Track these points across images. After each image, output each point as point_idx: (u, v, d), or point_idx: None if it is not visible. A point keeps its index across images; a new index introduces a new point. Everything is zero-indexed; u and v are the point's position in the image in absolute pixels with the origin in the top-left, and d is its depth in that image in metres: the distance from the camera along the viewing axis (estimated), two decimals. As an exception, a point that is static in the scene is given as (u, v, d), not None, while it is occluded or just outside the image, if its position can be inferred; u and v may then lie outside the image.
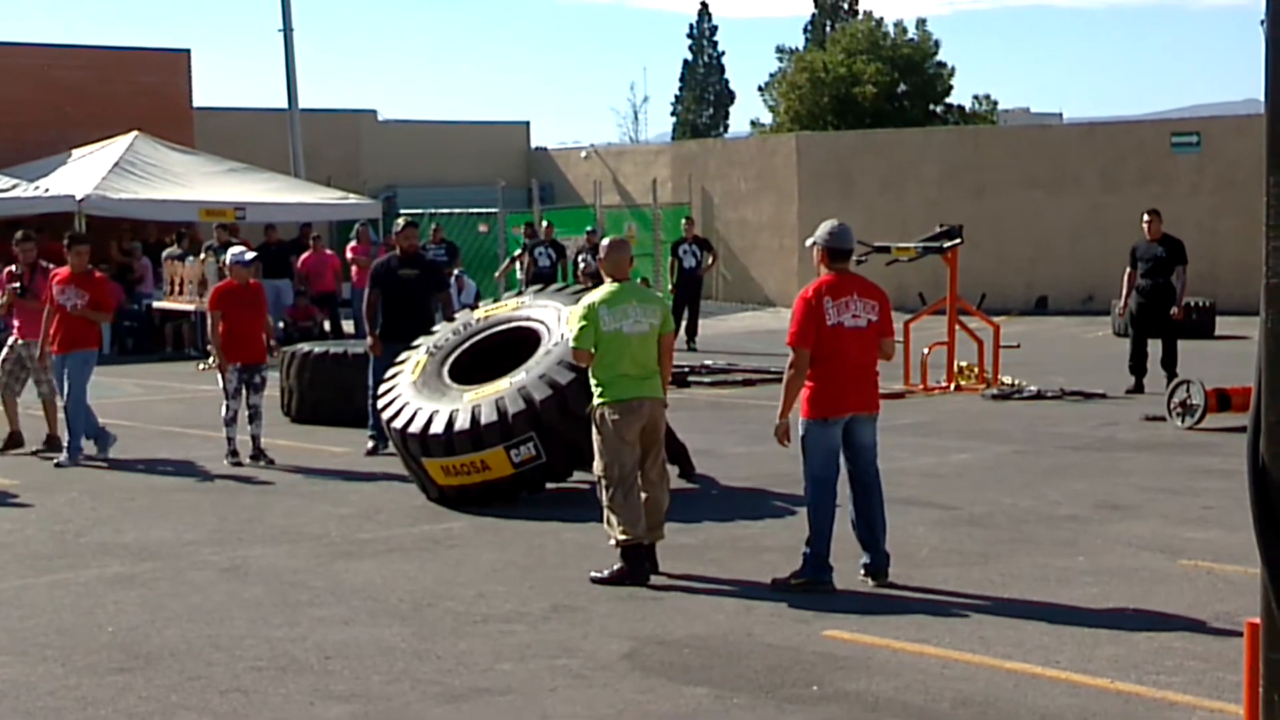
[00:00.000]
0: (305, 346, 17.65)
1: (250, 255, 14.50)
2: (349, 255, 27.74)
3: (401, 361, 12.62)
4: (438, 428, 11.47)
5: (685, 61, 76.35)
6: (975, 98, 55.19)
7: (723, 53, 76.70)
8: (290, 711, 6.94)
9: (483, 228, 34.23)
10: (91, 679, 7.47)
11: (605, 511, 9.37)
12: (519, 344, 12.16)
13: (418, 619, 8.52)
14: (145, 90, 31.09)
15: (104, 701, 7.10)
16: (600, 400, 9.38)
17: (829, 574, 8.99)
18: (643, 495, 9.39)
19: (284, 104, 33.24)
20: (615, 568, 9.26)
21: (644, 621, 8.40)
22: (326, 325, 26.85)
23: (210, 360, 14.59)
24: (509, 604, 8.81)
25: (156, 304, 26.48)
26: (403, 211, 35.03)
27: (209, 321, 14.37)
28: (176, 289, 25.55)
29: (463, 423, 11.37)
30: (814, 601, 8.70)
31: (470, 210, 34.16)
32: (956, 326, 19.50)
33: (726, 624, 8.34)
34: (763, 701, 7.01)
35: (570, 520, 11.09)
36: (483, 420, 11.32)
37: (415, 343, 12.85)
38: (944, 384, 19.12)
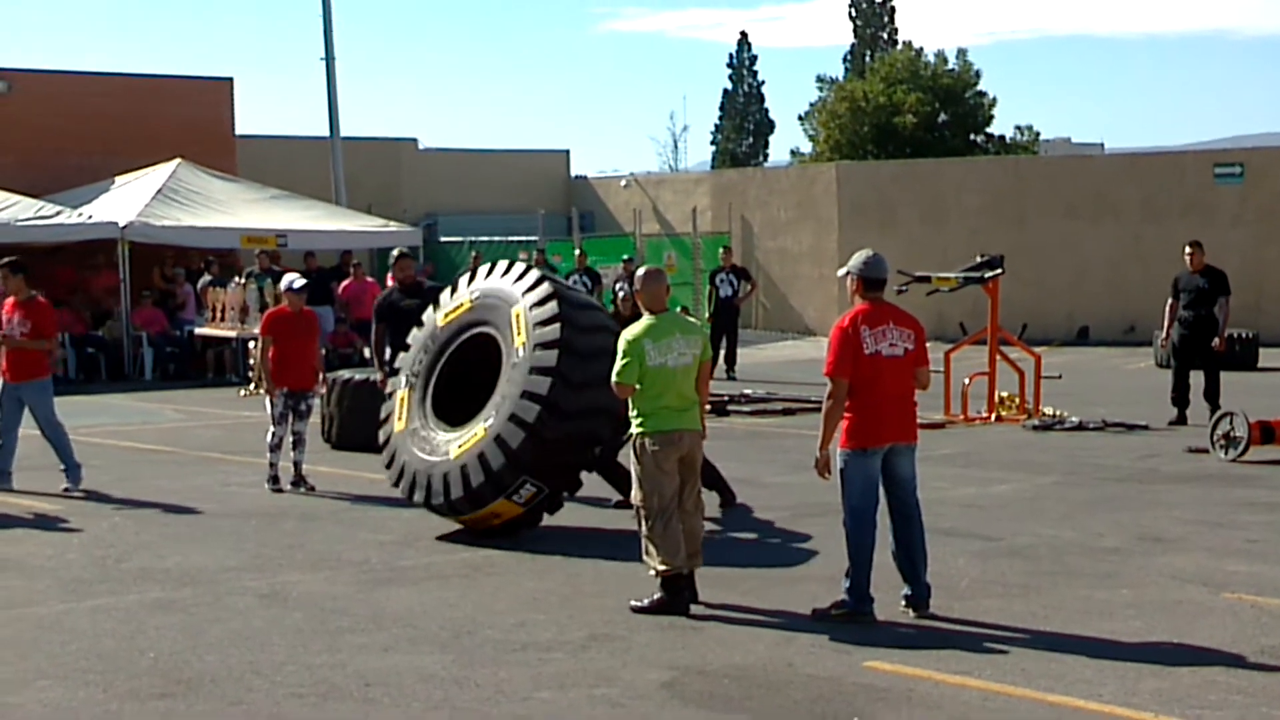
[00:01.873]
0: (345, 374, 17.70)
1: (301, 282, 14.53)
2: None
3: (390, 394, 12.51)
4: (438, 496, 11.44)
5: (725, 90, 76.40)
6: (1017, 128, 55.13)
7: (763, 82, 76.72)
8: (330, 738, 6.94)
9: (523, 255, 34.27)
10: (133, 704, 7.49)
11: (644, 541, 9.35)
12: (485, 351, 11.88)
13: (457, 646, 8.52)
14: (188, 118, 31.27)
15: (145, 727, 7.12)
16: (640, 430, 9.37)
17: (870, 605, 8.95)
18: (680, 525, 9.37)
19: (325, 132, 33.44)
20: (655, 597, 9.24)
21: (683, 651, 8.38)
22: (367, 352, 26.90)
23: (253, 386, 14.60)
24: (548, 632, 8.80)
25: (198, 330, 26.61)
26: (443, 239, 35.35)
27: (260, 346, 14.39)
28: (218, 315, 25.66)
29: (457, 489, 11.31)
30: (855, 633, 8.66)
31: (510, 238, 34.22)
32: (998, 357, 19.43)
33: (766, 654, 8.31)
34: (803, 732, 6.98)
35: (609, 549, 11.08)
36: (474, 483, 11.24)
37: (397, 364, 12.76)
38: (985, 414, 19.05)
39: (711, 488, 12.17)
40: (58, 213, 26.54)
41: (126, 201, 27.74)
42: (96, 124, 30.15)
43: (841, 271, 9.34)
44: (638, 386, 9.32)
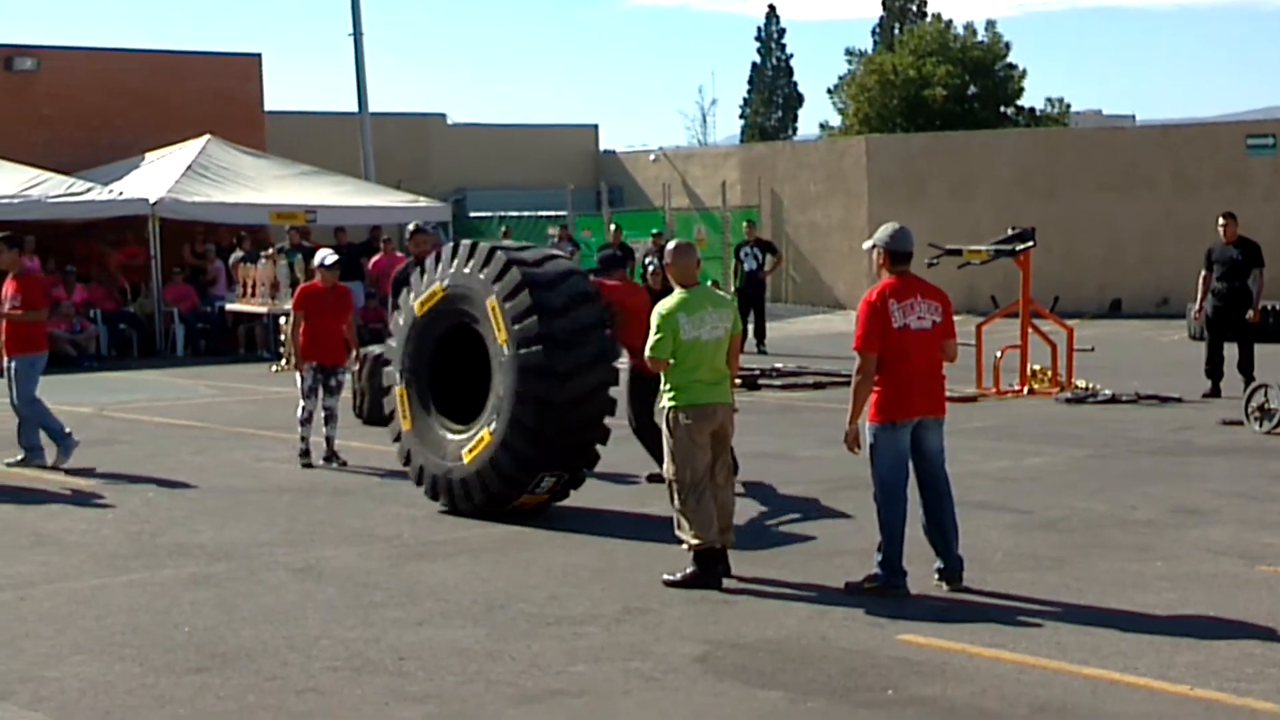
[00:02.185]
0: (376, 349, 17.67)
1: (333, 258, 14.51)
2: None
3: (388, 388, 12.30)
4: (462, 502, 11.42)
5: (753, 64, 76.20)
6: (1048, 100, 54.91)
7: (791, 55, 76.50)
8: (365, 712, 6.97)
9: (551, 231, 34.28)
10: (169, 678, 7.52)
11: (677, 516, 9.34)
12: (473, 341, 11.62)
13: (491, 620, 8.53)
14: (217, 94, 31.31)
15: (181, 701, 7.15)
16: (672, 404, 9.35)
17: (902, 578, 8.94)
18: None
19: (354, 108, 33.42)
20: (688, 571, 9.24)
21: (716, 625, 8.38)
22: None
23: (284, 361, 14.61)
24: (581, 606, 8.81)
25: (229, 306, 26.68)
26: (472, 214, 35.36)
27: (290, 321, 14.40)
28: (249, 291, 25.72)
29: (478, 494, 11.29)
30: (888, 606, 8.65)
31: (539, 213, 34.22)
32: (1029, 330, 19.37)
33: (799, 628, 8.31)
34: (837, 705, 6.98)
35: (640, 524, 11.09)
36: (492, 489, 11.23)
37: (384, 364, 12.56)
38: (1017, 388, 19.00)
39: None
40: (88, 189, 26.62)
41: (156, 178, 27.82)
42: (126, 101, 30.20)
43: (867, 244, 9.26)
44: (671, 361, 9.31)
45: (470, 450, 11.29)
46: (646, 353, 9.43)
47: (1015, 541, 10.41)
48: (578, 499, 11.84)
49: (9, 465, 13.98)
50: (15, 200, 25.50)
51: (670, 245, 9.84)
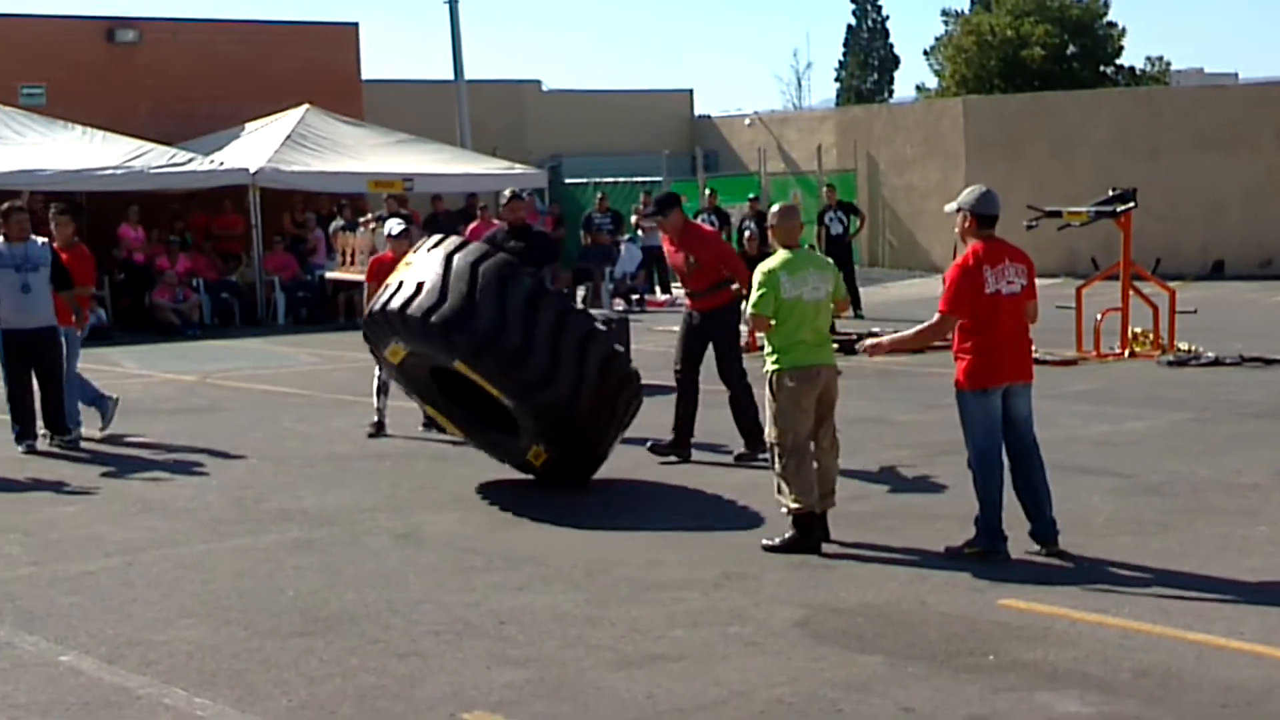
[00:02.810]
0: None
1: (400, 227, 14.42)
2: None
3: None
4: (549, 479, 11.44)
5: (849, 26, 75.60)
6: (1148, 59, 54.17)
7: (887, 17, 75.76)
8: (467, 675, 7.03)
9: (644, 198, 34.26)
10: (273, 641, 7.63)
11: (777, 480, 9.34)
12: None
13: (590, 585, 8.58)
14: (315, 64, 31.54)
15: (286, 664, 7.25)
16: (776, 366, 9.34)
17: (1003, 543, 8.89)
18: (815, 463, 9.35)
19: (450, 75, 33.55)
20: (787, 535, 9.24)
21: (816, 589, 8.38)
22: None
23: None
24: (680, 571, 8.83)
25: (329, 274, 26.88)
26: (568, 181, 35.41)
27: (366, 292, 14.43)
28: (348, 260, 25.89)
29: (563, 478, 11.33)
30: (989, 570, 8.61)
31: (634, 179, 34.20)
32: (1130, 292, 19.15)
33: (900, 592, 8.29)
34: (938, 670, 6.96)
35: (740, 488, 11.09)
36: (572, 473, 11.27)
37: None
38: (1118, 350, 18.80)
39: (745, 434, 12.12)
40: (190, 160, 26.92)
41: (256, 148, 28.08)
42: (225, 71, 30.49)
43: (951, 207, 9.15)
44: (773, 322, 9.29)
45: (534, 457, 11.25)
46: (748, 310, 9.44)
47: (1117, 506, 10.32)
48: (675, 468, 11.87)
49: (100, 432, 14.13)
50: (119, 171, 25.87)
51: (775, 207, 9.87)
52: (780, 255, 9.49)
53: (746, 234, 24.49)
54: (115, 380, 17.18)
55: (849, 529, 9.55)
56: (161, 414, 15.67)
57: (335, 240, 26.61)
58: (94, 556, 9.55)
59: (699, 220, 27.34)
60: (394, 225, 14.51)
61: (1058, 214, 19.76)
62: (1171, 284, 20.06)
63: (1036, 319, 9.25)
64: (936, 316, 8.97)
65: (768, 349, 9.43)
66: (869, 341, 9.81)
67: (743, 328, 11.94)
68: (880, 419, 14.08)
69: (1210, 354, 18.02)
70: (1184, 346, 18.70)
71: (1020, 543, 8.94)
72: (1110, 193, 19.68)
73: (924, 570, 8.70)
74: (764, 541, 9.30)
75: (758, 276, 9.43)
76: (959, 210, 9.04)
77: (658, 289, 29.99)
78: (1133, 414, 14.33)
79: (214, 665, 7.27)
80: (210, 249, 27.58)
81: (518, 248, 13.86)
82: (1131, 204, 19.10)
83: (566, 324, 10.95)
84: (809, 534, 9.20)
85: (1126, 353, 18.72)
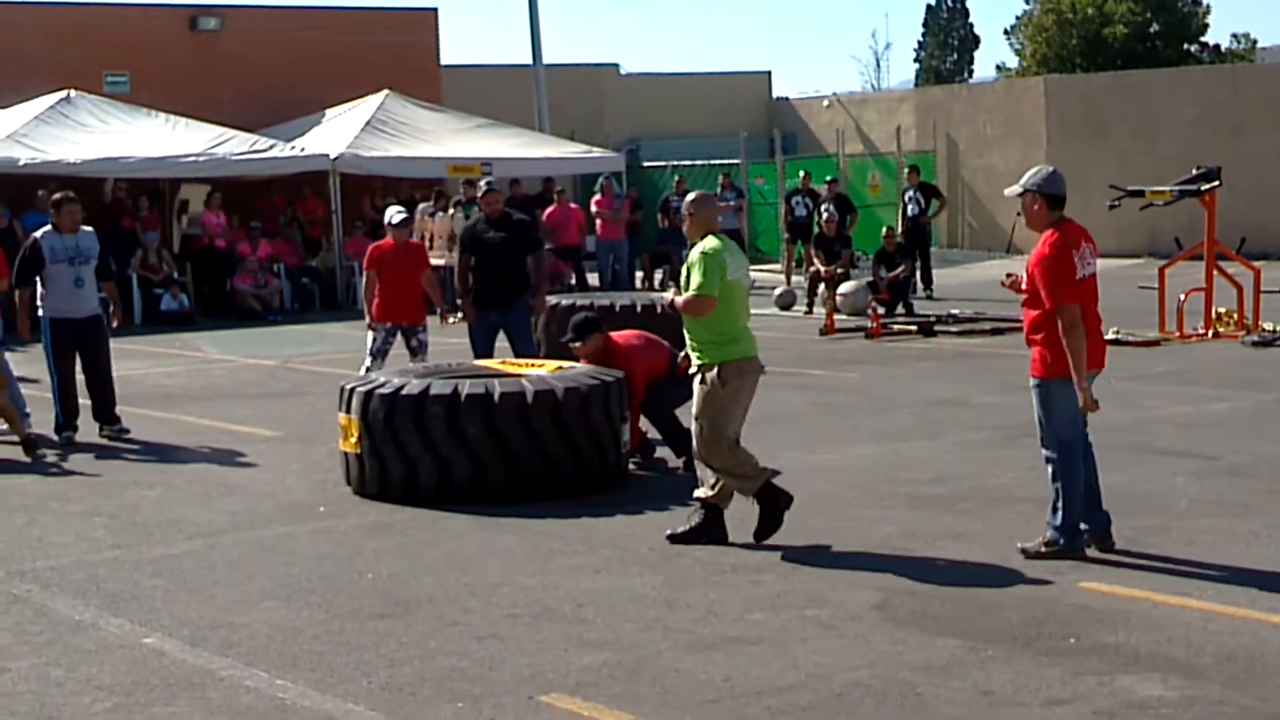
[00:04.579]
0: (551, 300, 17.80)
1: (401, 215, 14.19)
2: (593, 209, 27.98)
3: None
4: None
5: (928, 6, 75.00)
6: (1233, 36, 53.53)
7: (967, -4, 75.21)
8: (545, 658, 7.05)
9: (723, 180, 34.21)
10: (354, 624, 7.68)
11: (713, 475, 9.10)
12: None
13: (667, 568, 8.58)
14: (394, 49, 31.71)
15: (366, 646, 7.30)
16: (725, 358, 8.94)
17: (1082, 541, 8.51)
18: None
19: (528, 60, 33.59)
20: (696, 523, 9.16)
21: (893, 572, 8.33)
22: (573, 279, 27.11)
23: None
24: (757, 554, 8.81)
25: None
26: (646, 164, 35.39)
27: (364, 281, 14.35)
28: (428, 244, 25.99)
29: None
30: (1069, 553, 8.52)
31: (713, 162, 34.12)
32: (1214, 272, 18.93)
33: (978, 575, 8.24)
34: (1019, 653, 6.91)
35: (813, 472, 11.06)
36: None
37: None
38: (1201, 331, 18.59)
39: (671, 443, 11.52)
40: (271, 146, 27.11)
41: (336, 133, 28.24)
42: (305, 57, 30.70)
43: (1014, 190, 8.79)
44: (718, 303, 8.93)
45: None
46: (692, 292, 8.93)
47: (1200, 488, 10.21)
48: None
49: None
50: (202, 158, 26.09)
51: (691, 196, 9.52)
52: (710, 239, 9.11)
53: (825, 216, 24.47)
54: (197, 365, 17.38)
55: (928, 511, 9.51)
56: (244, 399, 15.80)
57: (419, 224, 26.70)
58: (176, 540, 9.65)
59: (794, 203, 27.43)
60: (395, 214, 14.30)
61: (1140, 193, 19.59)
62: (1256, 263, 19.82)
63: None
64: (1061, 319, 8.29)
65: (710, 335, 8.98)
66: (1085, 406, 8.41)
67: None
68: (959, 401, 14.00)
69: (1296, 334, 17.79)
70: (1269, 327, 18.47)
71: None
72: (1194, 171, 19.48)
73: (1003, 553, 8.63)
74: (668, 532, 9.20)
75: (698, 257, 8.98)
76: (1024, 192, 8.72)
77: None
78: (1216, 395, 14.17)
79: (295, 647, 7.32)
80: (295, 231, 27.75)
81: (498, 237, 13.75)
82: (1216, 183, 18.89)
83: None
84: (774, 507, 9.05)
85: (1210, 333, 18.52)
